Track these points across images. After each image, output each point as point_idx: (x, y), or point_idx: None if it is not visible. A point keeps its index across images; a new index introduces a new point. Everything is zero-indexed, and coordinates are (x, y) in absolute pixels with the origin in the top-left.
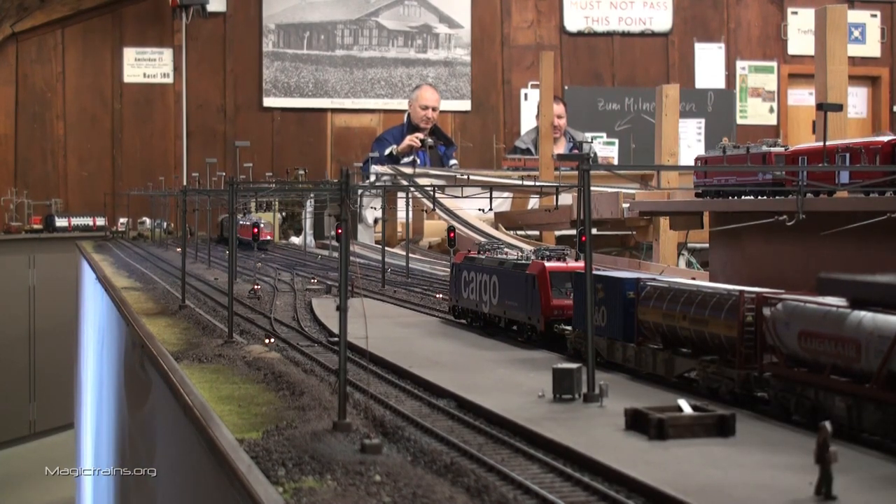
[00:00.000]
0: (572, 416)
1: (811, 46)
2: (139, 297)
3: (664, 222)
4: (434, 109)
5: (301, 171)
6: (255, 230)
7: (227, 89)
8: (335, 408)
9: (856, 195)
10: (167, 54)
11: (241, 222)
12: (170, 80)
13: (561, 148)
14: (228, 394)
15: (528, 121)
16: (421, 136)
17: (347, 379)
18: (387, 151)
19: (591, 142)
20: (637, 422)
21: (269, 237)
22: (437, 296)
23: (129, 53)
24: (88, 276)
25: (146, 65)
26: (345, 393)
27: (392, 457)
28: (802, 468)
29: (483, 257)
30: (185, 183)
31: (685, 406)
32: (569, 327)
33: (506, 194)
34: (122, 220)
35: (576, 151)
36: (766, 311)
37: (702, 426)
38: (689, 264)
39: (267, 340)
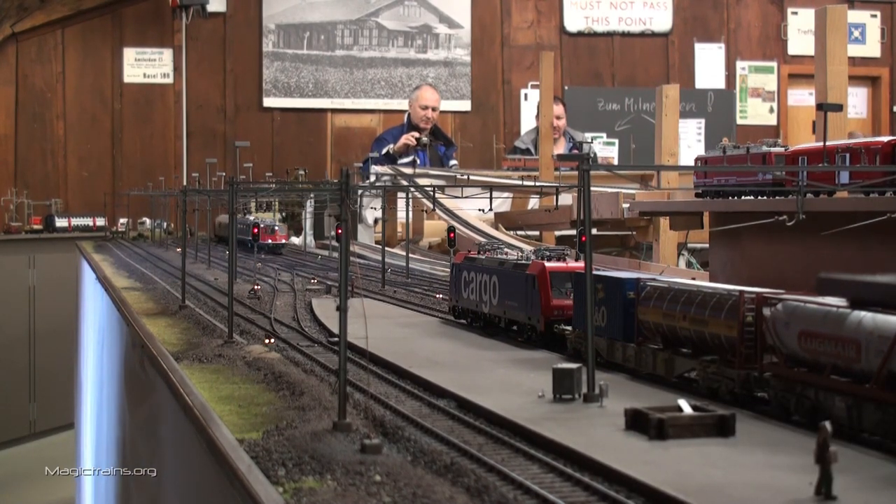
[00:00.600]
0: (572, 417)
1: (811, 46)
2: (139, 297)
3: (664, 222)
4: (434, 109)
5: (301, 172)
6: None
7: (227, 89)
8: (335, 408)
9: (856, 195)
10: (167, 54)
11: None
12: (170, 80)
13: (561, 148)
14: (228, 394)
15: (527, 121)
16: (417, 134)
17: (347, 379)
18: (384, 151)
19: (591, 142)
20: (637, 422)
21: (283, 240)
22: (437, 296)
23: (129, 53)
24: (88, 276)
25: (146, 65)
26: (345, 393)
27: (392, 457)
28: (802, 468)
29: (483, 257)
30: (185, 183)
31: (685, 406)
32: (569, 327)
33: (506, 194)
34: (122, 220)
35: (576, 151)
36: (766, 312)
37: (702, 426)
38: (689, 264)
39: (267, 340)
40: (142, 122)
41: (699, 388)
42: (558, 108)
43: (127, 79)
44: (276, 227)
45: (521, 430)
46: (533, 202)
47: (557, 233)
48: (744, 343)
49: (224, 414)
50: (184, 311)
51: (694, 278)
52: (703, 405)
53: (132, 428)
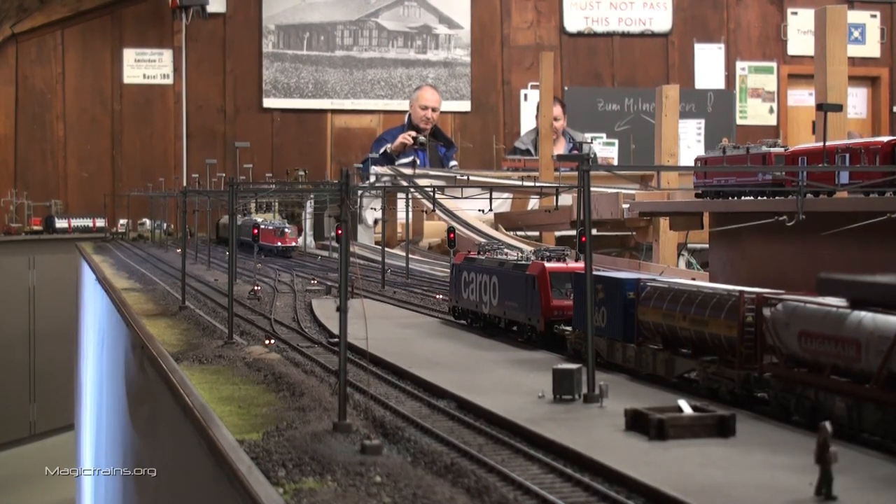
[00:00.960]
0: (572, 417)
1: (811, 47)
2: (139, 298)
3: (664, 223)
4: (434, 110)
5: (301, 172)
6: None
7: (226, 90)
8: (335, 409)
9: (856, 195)
10: (167, 55)
11: (264, 226)
12: (170, 80)
13: (560, 148)
14: (228, 395)
15: (527, 121)
16: (414, 133)
17: (347, 380)
18: (381, 150)
19: (591, 142)
20: (637, 422)
21: (294, 243)
22: (437, 296)
23: (129, 54)
24: (88, 277)
25: (146, 66)
26: (345, 394)
27: (392, 457)
28: (802, 468)
29: (483, 258)
30: (185, 184)
31: (685, 406)
32: (569, 328)
33: (506, 195)
34: (121, 221)
35: (575, 152)
36: (766, 312)
37: (702, 426)
38: (689, 265)
39: (267, 341)
40: (142, 123)
41: (699, 389)
42: (557, 109)
43: (127, 79)
44: (287, 229)
45: (521, 431)
46: (533, 203)
47: (557, 233)
48: (744, 343)
49: (224, 415)
50: (184, 312)
51: (694, 278)
52: (703, 405)
53: (132, 428)
